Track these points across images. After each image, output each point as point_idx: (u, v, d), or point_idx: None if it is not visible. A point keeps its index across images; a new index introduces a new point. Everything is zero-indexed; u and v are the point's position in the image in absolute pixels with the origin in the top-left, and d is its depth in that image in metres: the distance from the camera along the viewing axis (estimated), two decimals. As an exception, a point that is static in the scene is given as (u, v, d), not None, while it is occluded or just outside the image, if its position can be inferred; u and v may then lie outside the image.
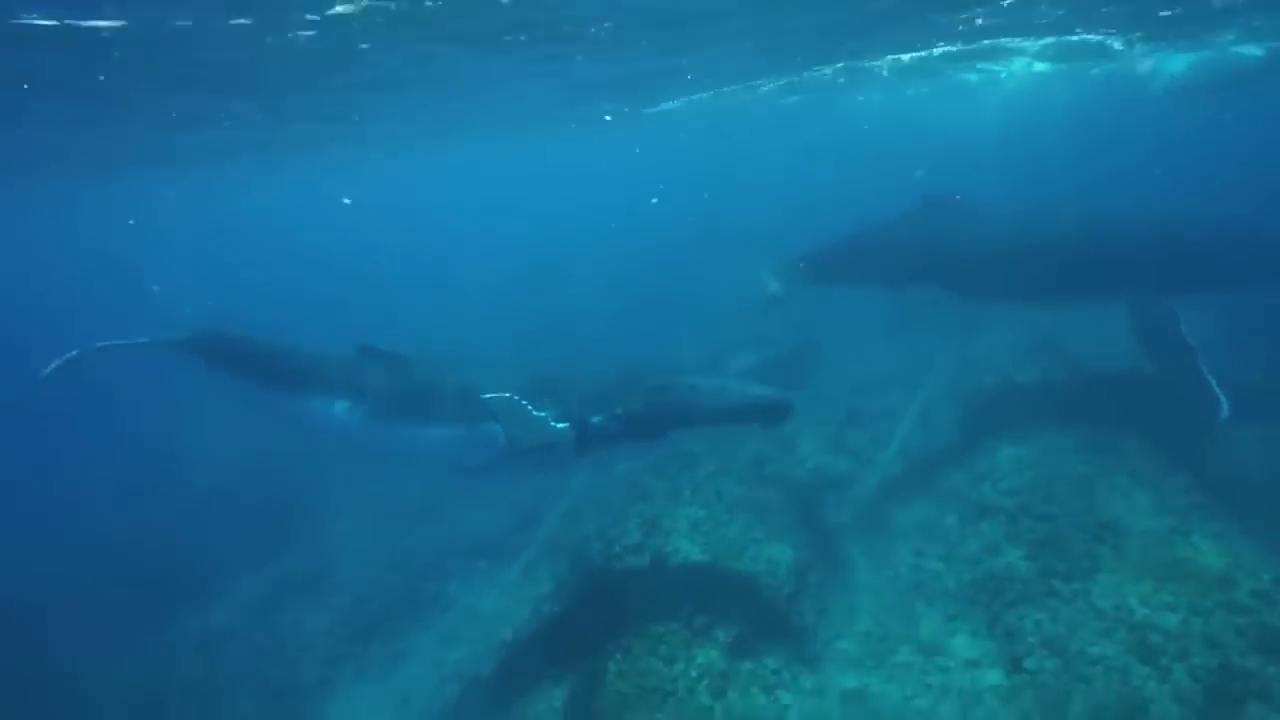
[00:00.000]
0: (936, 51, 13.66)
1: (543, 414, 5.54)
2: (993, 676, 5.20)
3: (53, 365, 6.77)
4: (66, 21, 6.55)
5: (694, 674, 5.44)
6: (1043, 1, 10.34)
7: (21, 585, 9.99)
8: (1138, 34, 12.94)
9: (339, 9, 7.33)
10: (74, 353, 6.87)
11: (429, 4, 7.54)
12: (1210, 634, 4.91)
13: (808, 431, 8.61)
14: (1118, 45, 13.69)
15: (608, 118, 18.27)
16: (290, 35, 8.12)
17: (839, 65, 14.66)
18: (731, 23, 9.99)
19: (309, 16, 7.60)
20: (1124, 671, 4.84)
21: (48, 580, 10.13)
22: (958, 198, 8.27)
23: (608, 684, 5.49)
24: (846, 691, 5.56)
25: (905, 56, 14.07)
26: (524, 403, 5.36)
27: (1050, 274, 7.41)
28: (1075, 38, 13.17)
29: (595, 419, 5.72)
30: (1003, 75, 17.83)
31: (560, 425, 5.65)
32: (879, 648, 5.83)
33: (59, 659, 8.32)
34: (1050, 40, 13.30)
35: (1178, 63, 15.97)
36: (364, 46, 9.08)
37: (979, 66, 16.14)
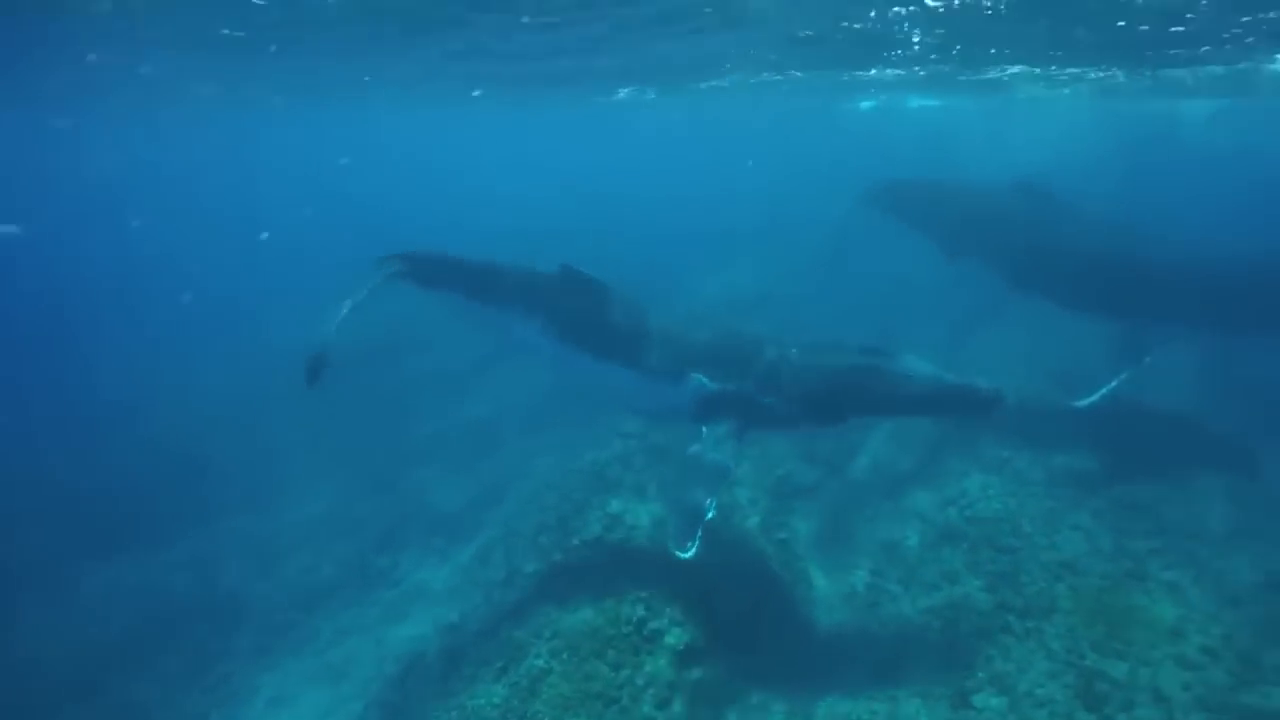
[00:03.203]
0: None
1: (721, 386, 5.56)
2: (941, 710, 5.17)
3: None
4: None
5: (640, 682, 5.32)
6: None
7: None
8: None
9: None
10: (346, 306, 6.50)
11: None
12: (1157, 687, 4.91)
13: (780, 436, 8.49)
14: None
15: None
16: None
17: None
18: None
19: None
20: (1068, 718, 4.83)
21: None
22: (1052, 194, 8.34)
23: (550, 684, 5.35)
24: (791, 711, 5.52)
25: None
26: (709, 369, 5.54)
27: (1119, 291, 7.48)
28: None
29: (770, 399, 5.50)
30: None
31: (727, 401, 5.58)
32: (830, 666, 5.79)
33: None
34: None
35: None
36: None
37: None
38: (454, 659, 6.51)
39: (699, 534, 5.18)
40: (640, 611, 5.87)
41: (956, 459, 7.62)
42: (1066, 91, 15.02)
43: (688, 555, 5.15)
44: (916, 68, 11.82)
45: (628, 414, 9.39)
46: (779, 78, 14.01)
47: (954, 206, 9.10)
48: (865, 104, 20.44)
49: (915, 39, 9.57)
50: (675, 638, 5.72)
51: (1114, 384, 6.88)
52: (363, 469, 10.88)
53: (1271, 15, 8.19)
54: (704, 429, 5.64)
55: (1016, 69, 11.24)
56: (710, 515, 5.24)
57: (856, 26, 8.86)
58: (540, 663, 5.57)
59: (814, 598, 6.47)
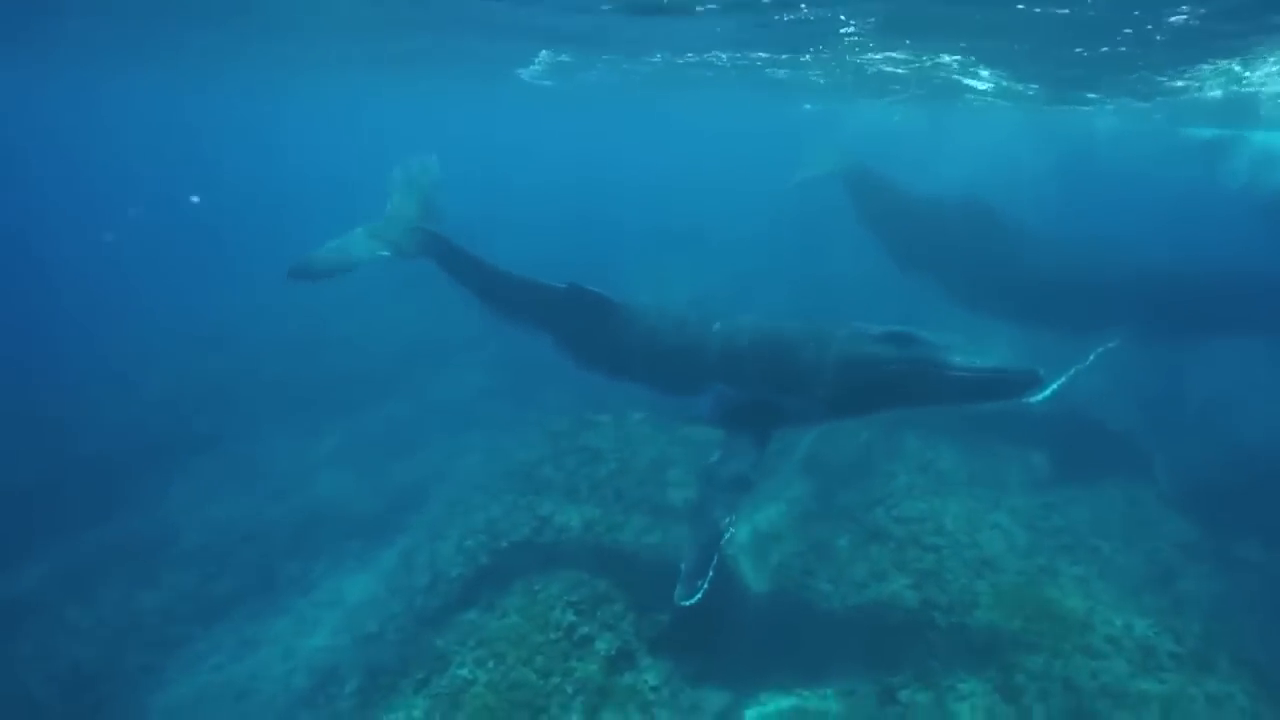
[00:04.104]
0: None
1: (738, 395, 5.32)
2: (868, 706, 5.22)
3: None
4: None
5: (570, 689, 5.12)
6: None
7: None
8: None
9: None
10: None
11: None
12: (1068, 677, 5.12)
13: (714, 443, 8.44)
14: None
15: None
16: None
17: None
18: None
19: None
20: (990, 710, 4.96)
21: None
22: (1000, 213, 8.77)
23: (474, 695, 5.07)
24: (722, 711, 5.44)
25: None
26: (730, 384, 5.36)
27: (1063, 299, 8.05)
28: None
29: (796, 401, 5.23)
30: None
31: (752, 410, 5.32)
32: (761, 665, 5.76)
33: None
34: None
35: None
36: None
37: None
38: (371, 671, 6.11)
39: (711, 570, 4.77)
40: (570, 617, 5.68)
41: (885, 460, 7.81)
42: (1008, 103, 15.71)
43: (693, 601, 4.69)
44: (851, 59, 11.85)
45: (561, 413, 9.17)
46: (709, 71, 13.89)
47: (908, 219, 9.42)
48: (807, 106, 20.86)
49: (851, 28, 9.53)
50: (606, 643, 5.56)
51: (1063, 380, 7.15)
52: (273, 469, 10.17)
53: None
54: (724, 435, 5.40)
55: (951, 58, 11.57)
56: (727, 537, 4.89)
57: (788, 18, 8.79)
58: (464, 672, 5.28)
59: (747, 598, 6.44)
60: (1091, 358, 7.10)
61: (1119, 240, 8.78)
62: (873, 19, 8.89)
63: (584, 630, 5.60)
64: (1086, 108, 15.22)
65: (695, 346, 5.66)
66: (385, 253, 6.96)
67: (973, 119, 20.54)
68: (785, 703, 5.41)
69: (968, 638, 5.44)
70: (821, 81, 14.57)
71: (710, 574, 4.76)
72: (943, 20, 8.54)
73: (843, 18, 8.84)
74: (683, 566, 4.95)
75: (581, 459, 8.11)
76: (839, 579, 6.36)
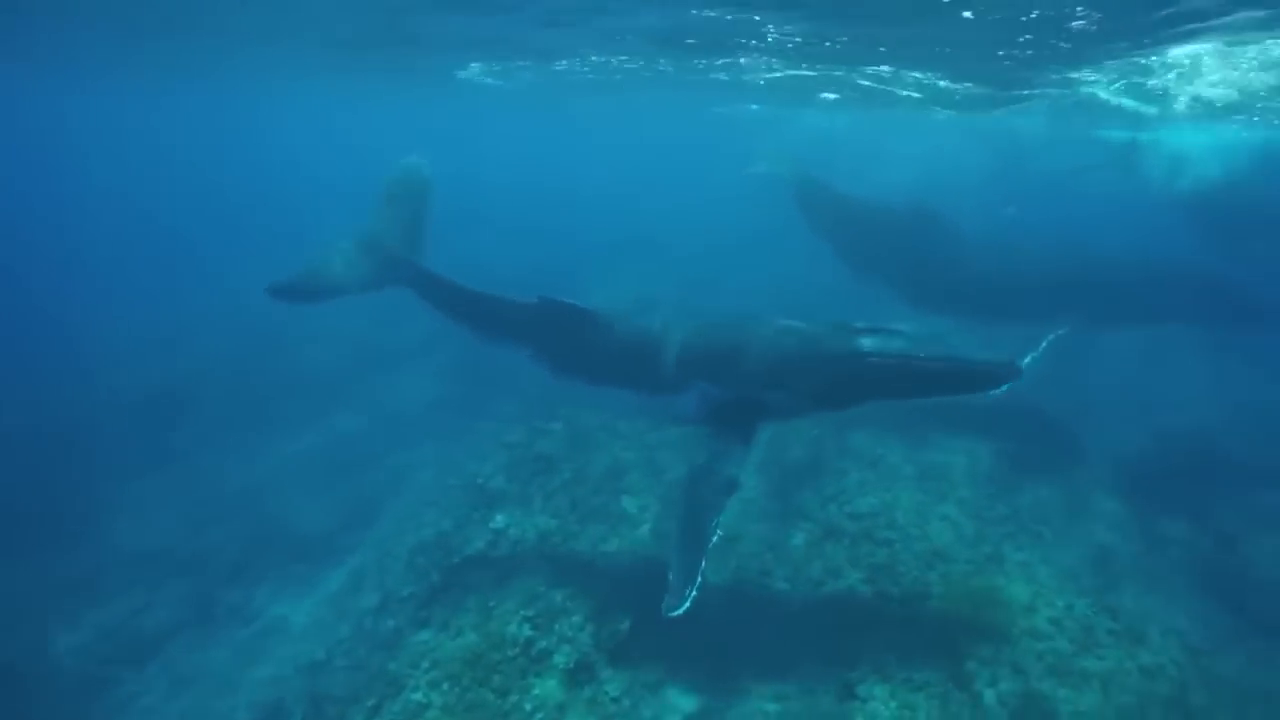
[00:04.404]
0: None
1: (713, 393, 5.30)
2: (827, 702, 5.26)
3: None
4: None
5: (528, 707, 5.01)
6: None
7: None
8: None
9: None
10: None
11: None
12: (1015, 660, 5.29)
13: (669, 449, 8.43)
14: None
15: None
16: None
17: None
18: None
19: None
20: (944, 698, 5.06)
21: None
22: (945, 216, 9.20)
23: (428, 719, 4.90)
24: (687, 716, 5.41)
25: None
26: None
27: (1007, 296, 8.54)
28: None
29: (779, 395, 5.19)
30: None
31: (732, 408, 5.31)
32: (722, 669, 5.75)
33: None
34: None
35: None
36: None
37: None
38: (318, 701, 5.84)
39: (700, 576, 4.69)
40: (527, 631, 5.56)
41: (836, 458, 7.93)
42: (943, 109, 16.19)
43: (681, 610, 4.60)
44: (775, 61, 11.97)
45: (514, 423, 9.00)
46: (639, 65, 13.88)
47: (857, 225, 9.76)
48: (754, 106, 21.09)
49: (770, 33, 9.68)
50: (565, 656, 5.46)
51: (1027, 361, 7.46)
52: (219, 487, 9.66)
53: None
54: (710, 436, 5.36)
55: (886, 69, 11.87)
56: (714, 540, 4.84)
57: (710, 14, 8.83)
58: (418, 696, 5.10)
59: (705, 601, 6.41)
60: (1044, 345, 7.40)
61: (1056, 237, 9.32)
62: (791, 27, 9.06)
63: (542, 645, 5.49)
64: (1010, 111, 15.85)
65: (676, 347, 5.67)
66: (367, 284, 6.71)
67: (911, 125, 21.17)
68: (746, 705, 5.41)
69: (921, 629, 5.55)
70: (761, 83, 14.71)
71: (699, 580, 4.69)
72: (861, 27, 8.71)
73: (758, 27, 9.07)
74: (670, 576, 4.84)
75: (535, 469, 7.97)
76: (796, 578, 6.41)
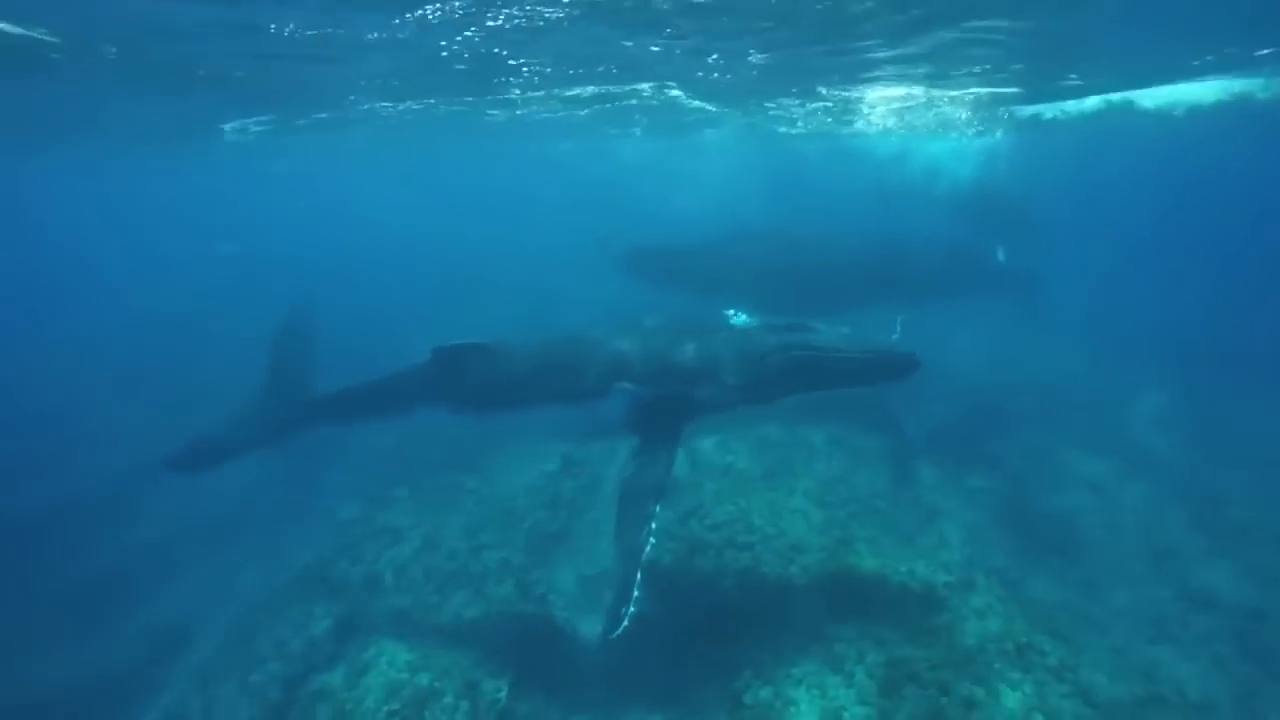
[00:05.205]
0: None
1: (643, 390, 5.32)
2: (718, 714, 5.27)
3: None
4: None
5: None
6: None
7: None
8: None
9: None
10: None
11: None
12: (876, 634, 5.66)
13: (524, 496, 8.11)
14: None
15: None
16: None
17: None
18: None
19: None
20: (821, 686, 5.28)
21: None
22: (762, 228, 10.37)
23: None
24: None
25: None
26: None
27: (833, 288, 9.58)
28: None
29: (706, 391, 5.34)
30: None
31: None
32: (615, 708, 5.56)
33: None
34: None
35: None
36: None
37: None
38: None
39: (636, 590, 4.63)
40: (394, 730, 4.97)
41: (689, 471, 8.09)
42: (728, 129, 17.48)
43: (619, 631, 4.52)
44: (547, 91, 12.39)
45: (349, 497, 8.18)
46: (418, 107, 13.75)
47: (699, 260, 10.67)
48: (566, 145, 21.48)
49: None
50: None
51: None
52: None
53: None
54: (637, 441, 5.37)
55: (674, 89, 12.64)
56: (647, 551, 4.79)
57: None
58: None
59: (582, 646, 6.20)
60: (899, 328, 8.18)
61: (875, 236, 10.73)
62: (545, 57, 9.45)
63: (409, 739, 4.94)
64: (784, 129, 17.61)
65: (600, 354, 5.74)
66: (269, 436, 6.50)
67: (706, 150, 22.80)
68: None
69: (793, 623, 5.76)
70: (544, 115, 14.87)
71: (636, 594, 4.66)
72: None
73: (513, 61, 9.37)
74: (608, 597, 4.80)
75: (381, 544, 7.27)
76: (671, 599, 6.39)
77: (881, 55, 9.43)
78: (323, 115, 13.92)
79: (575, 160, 26.72)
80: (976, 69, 10.48)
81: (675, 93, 12.73)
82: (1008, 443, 10.17)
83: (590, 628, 6.39)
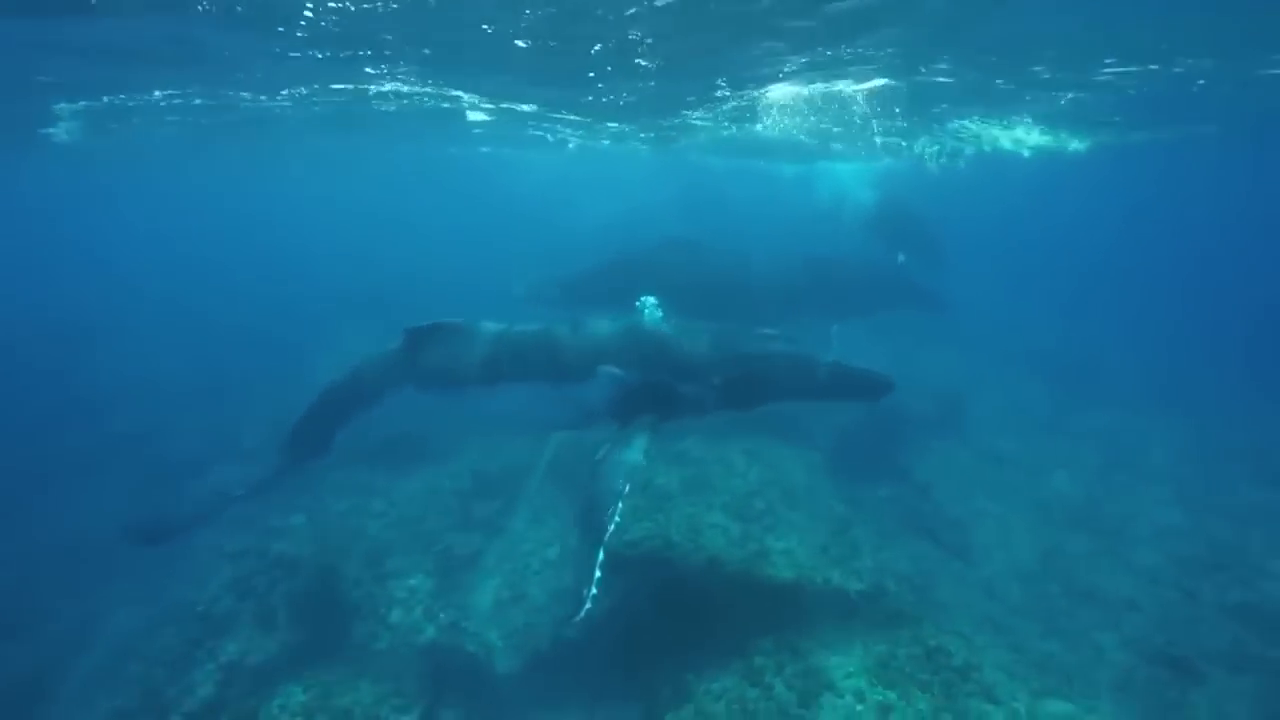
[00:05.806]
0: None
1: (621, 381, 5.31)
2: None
3: None
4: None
5: None
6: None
7: None
8: None
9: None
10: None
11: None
12: (793, 644, 5.67)
13: (434, 514, 7.73)
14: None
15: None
16: None
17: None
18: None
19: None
20: (740, 699, 5.24)
21: None
22: (687, 240, 10.55)
23: None
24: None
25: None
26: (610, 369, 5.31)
27: (759, 300, 9.64)
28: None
29: (689, 388, 5.38)
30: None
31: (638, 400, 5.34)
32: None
33: None
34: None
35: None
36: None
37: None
38: None
39: (598, 571, 4.52)
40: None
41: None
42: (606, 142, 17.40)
43: (582, 615, 4.42)
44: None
45: (236, 528, 7.52)
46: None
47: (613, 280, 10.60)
48: (484, 149, 20.92)
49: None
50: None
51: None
52: None
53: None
54: (619, 424, 5.33)
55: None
56: (611, 530, 4.65)
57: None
58: None
59: (497, 675, 5.93)
60: (834, 340, 8.37)
61: (795, 251, 11.10)
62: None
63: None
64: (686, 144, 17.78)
65: (590, 342, 5.71)
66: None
67: (616, 161, 22.79)
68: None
69: (713, 638, 5.70)
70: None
71: (598, 575, 4.58)
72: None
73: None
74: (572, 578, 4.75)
75: (274, 577, 6.69)
76: (589, 625, 6.18)
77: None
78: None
79: (478, 169, 26.18)
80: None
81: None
82: (914, 451, 10.66)
83: (507, 659, 6.12)
